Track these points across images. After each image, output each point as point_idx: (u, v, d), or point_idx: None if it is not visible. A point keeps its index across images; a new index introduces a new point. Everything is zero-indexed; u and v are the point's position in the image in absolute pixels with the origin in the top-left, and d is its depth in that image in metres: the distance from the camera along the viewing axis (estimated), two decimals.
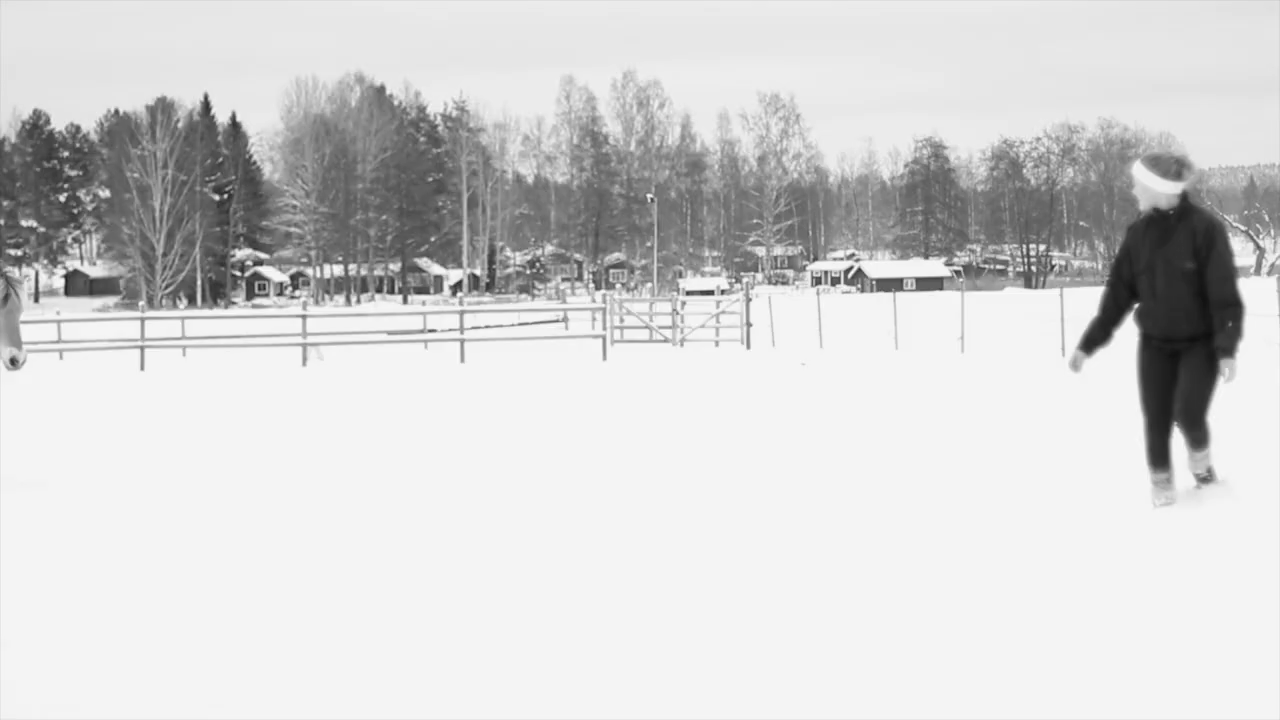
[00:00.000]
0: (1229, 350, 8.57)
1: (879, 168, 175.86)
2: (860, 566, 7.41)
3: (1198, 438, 8.80)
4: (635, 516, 9.12)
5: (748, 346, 37.73)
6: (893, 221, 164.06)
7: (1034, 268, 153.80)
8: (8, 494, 10.40)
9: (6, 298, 10.84)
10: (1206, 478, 9.00)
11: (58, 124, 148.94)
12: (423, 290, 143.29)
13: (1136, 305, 8.95)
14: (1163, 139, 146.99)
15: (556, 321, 48.52)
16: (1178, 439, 8.90)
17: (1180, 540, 7.85)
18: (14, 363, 10.71)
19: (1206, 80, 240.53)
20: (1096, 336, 9.13)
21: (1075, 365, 9.19)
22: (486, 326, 43.72)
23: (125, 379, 26.84)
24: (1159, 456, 8.93)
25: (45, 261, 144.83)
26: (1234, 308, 8.59)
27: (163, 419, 17.44)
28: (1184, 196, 8.78)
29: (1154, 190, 8.75)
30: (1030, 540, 7.96)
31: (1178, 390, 8.78)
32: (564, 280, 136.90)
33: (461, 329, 34.12)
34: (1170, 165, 8.76)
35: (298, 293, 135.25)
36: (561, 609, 6.63)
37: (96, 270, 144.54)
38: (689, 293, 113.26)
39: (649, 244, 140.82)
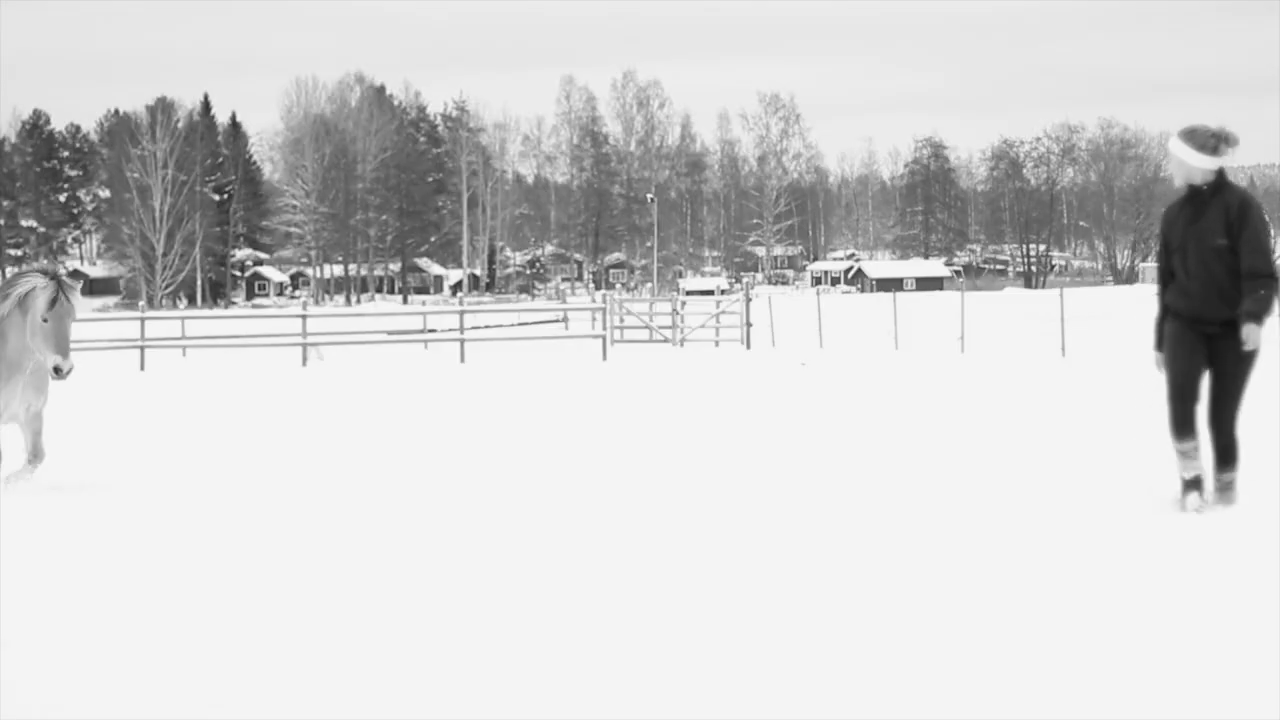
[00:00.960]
0: (1256, 316, 8.26)
1: (879, 168, 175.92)
2: (861, 566, 7.41)
3: (1227, 452, 8.54)
4: (635, 516, 9.11)
5: (748, 346, 37.74)
6: (893, 221, 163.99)
7: (1034, 268, 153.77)
8: (7, 494, 10.39)
9: (55, 301, 10.12)
10: (1227, 492, 8.64)
11: (58, 124, 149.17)
12: (423, 290, 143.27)
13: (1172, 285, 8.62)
14: (1163, 139, 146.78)
15: (556, 321, 48.53)
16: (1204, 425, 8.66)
17: (1180, 540, 7.84)
18: (58, 371, 10.08)
19: (1206, 80, 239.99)
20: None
21: (1160, 367, 8.78)
22: (486, 326, 43.73)
23: (125, 379, 26.84)
24: (1183, 426, 8.56)
25: (45, 261, 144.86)
26: (1266, 279, 8.27)
27: (163, 419, 17.44)
28: (1220, 173, 8.44)
29: (1189, 165, 8.45)
30: (1030, 540, 7.95)
31: (1209, 393, 8.50)
32: (564, 280, 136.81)
33: (461, 329, 34.13)
34: (1207, 140, 8.43)
35: (298, 293, 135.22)
36: (561, 608, 6.62)
37: (96, 270, 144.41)
38: (689, 293, 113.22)
39: (649, 244, 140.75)
